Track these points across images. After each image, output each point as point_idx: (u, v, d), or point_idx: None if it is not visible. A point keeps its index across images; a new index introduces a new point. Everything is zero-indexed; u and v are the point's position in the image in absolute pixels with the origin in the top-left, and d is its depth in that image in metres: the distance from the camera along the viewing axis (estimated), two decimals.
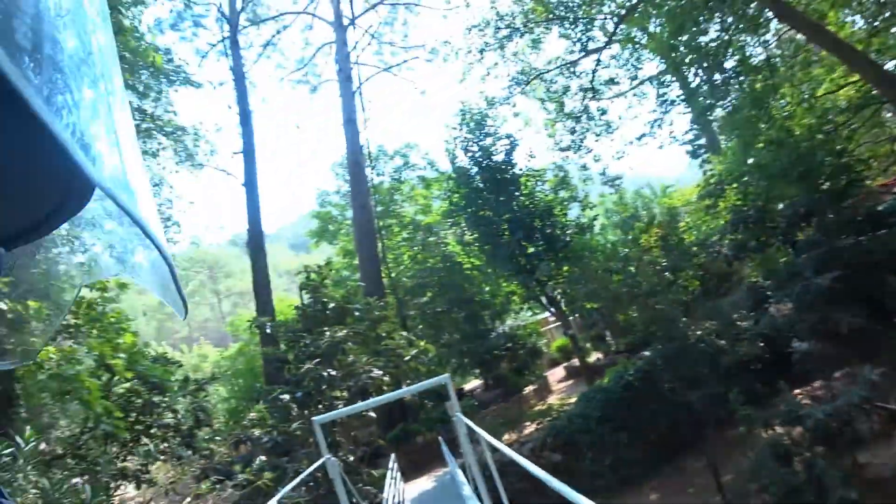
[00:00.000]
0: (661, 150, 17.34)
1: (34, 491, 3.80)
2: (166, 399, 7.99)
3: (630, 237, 15.25)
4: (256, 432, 7.35)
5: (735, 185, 13.30)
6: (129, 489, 7.76)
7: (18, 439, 4.25)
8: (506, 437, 13.11)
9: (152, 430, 7.63)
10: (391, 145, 25.89)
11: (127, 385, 7.85)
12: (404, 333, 10.13)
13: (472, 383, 26.57)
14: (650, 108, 20.00)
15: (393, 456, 10.63)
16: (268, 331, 11.39)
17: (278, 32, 26.39)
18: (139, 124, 16.98)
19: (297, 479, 4.35)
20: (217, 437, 7.92)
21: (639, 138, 17.76)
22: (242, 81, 21.99)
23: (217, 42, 23.62)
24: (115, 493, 7.00)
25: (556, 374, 24.46)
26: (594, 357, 24.34)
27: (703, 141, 20.73)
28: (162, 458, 7.27)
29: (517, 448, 11.49)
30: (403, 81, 35.58)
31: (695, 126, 19.98)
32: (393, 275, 22.58)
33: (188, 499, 7.47)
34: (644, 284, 13.00)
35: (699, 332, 10.31)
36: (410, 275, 22.58)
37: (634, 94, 19.56)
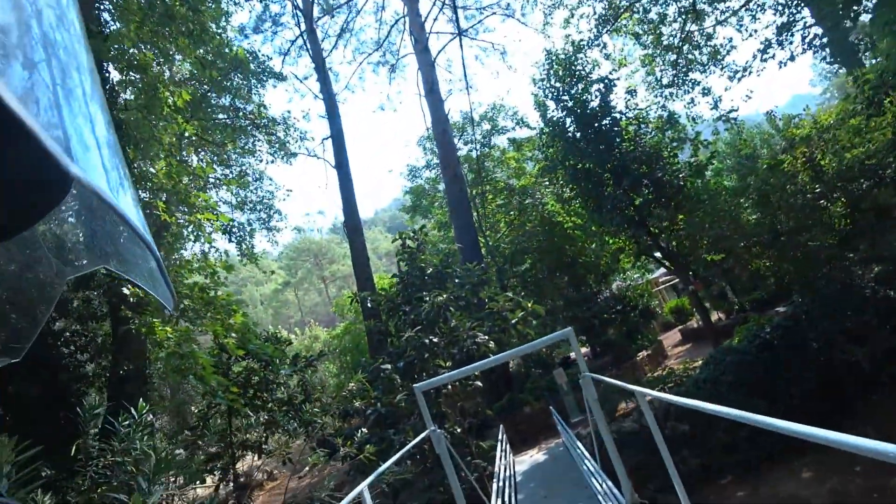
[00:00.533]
0: (783, 67, 14.48)
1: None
2: (278, 376, 8.27)
3: (750, 181, 13.10)
4: (357, 403, 7.28)
5: None
6: (249, 457, 8.26)
7: (134, 412, 4.39)
8: (622, 405, 12.09)
9: (268, 405, 7.93)
10: (477, 111, 24.65)
11: (244, 364, 8.23)
12: (509, 294, 9.51)
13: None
14: (766, 24, 16.85)
15: (501, 427, 10.23)
16: (368, 304, 11.45)
17: (351, 16, 26.54)
18: (232, 122, 17.99)
19: (400, 453, 3.98)
20: (324, 411, 8.02)
21: (762, 52, 14.94)
22: (324, 69, 22.44)
23: (296, 37, 24.35)
24: (238, 461, 7.44)
25: (670, 339, 22.50)
26: (714, 317, 21.94)
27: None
28: (277, 430, 7.51)
29: (637, 418, 10.49)
30: (483, 44, 33.88)
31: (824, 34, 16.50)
32: (490, 243, 22.05)
33: (306, 468, 7.67)
34: (788, 220, 11.02)
35: (869, 274, 8.40)
36: (508, 241, 21.85)
37: (747, 9, 16.59)
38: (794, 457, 9.37)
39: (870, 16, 12.63)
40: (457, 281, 9.37)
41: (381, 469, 3.28)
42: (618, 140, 13.78)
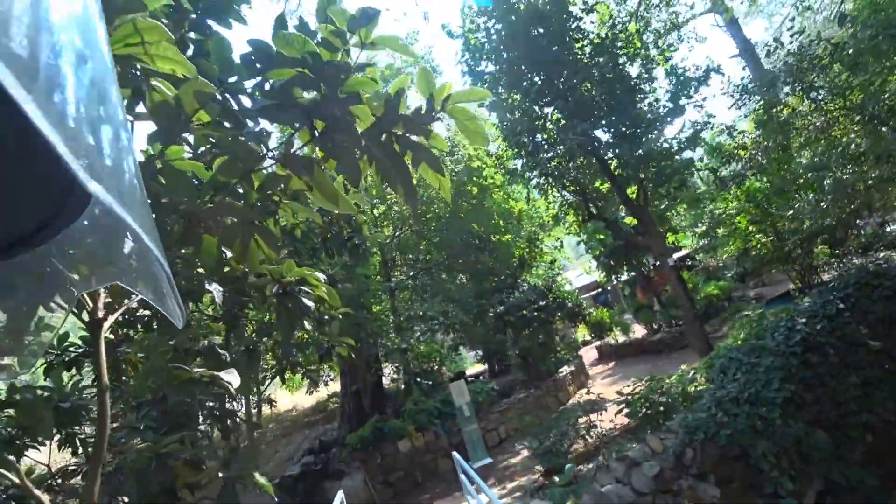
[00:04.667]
0: None
1: None
2: None
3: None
4: None
5: None
6: None
7: None
8: (579, 447, 6.85)
9: None
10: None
11: None
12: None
13: (472, 369, 20.27)
14: None
15: (341, 493, 4.36)
16: None
17: None
18: None
19: None
20: None
21: None
22: None
23: None
24: None
25: (586, 356, 18.28)
26: (636, 333, 18.37)
27: None
28: None
29: (624, 472, 5.26)
30: None
31: None
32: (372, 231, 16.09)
33: None
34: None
35: None
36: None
37: None
38: None
39: None
40: None
41: None
42: (579, 44, 9.08)
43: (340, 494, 4.15)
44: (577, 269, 25.75)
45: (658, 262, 9.12)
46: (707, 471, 5.28)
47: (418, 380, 10.50)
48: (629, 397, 6.74)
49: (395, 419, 9.55)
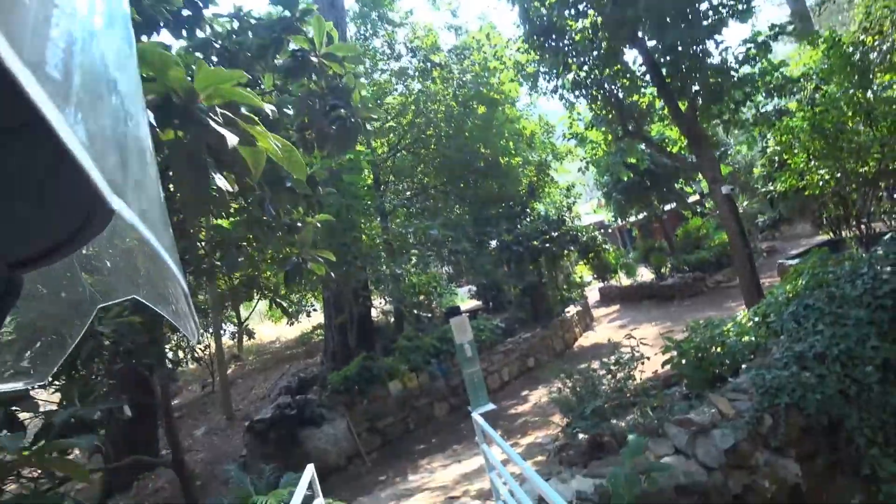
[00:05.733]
0: None
1: None
2: None
3: None
4: None
5: None
6: None
7: None
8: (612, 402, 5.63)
9: None
10: None
11: None
12: None
13: (465, 306, 19.19)
14: None
15: (311, 466, 3.08)
16: None
17: None
18: None
19: None
20: None
21: None
22: None
23: None
24: None
25: (588, 298, 17.28)
26: (643, 277, 17.28)
27: None
28: None
29: (688, 442, 4.05)
30: None
31: None
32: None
33: None
34: None
35: None
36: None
37: None
38: None
39: None
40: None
41: None
42: None
43: (310, 470, 2.87)
44: (582, 207, 24.25)
45: (710, 190, 7.65)
46: (787, 444, 4.12)
47: (416, 311, 9.23)
48: (680, 344, 5.53)
49: (385, 357, 8.37)
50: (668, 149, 8.62)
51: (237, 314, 16.63)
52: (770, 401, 4.28)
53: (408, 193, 14.78)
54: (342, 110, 3.29)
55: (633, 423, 4.62)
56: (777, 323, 5.54)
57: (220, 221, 3.85)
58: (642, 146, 8.78)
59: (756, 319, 5.70)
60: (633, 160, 9.74)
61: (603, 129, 8.78)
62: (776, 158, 10.25)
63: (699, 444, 4.08)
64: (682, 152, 8.80)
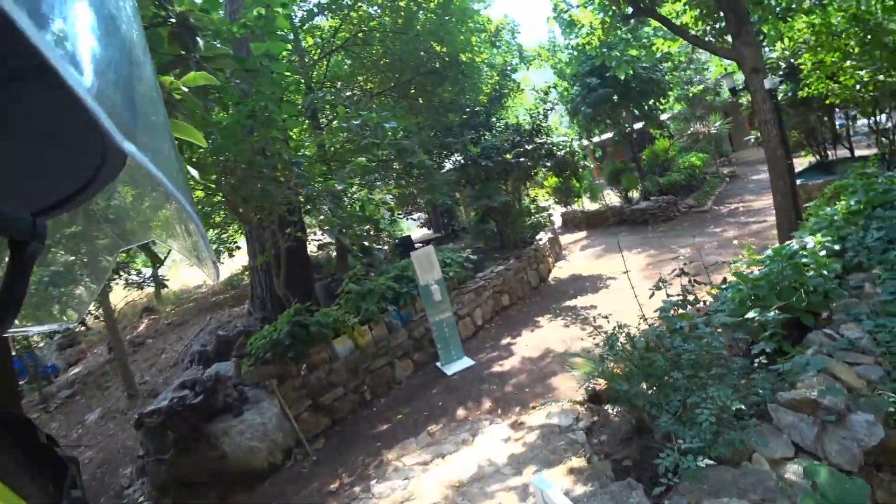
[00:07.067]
0: None
1: None
2: None
3: None
4: None
5: None
6: None
7: None
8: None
9: None
10: None
11: None
12: None
13: (415, 234, 17.31)
14: None
15: None
16: None
17: None
18: None
19: None
20: None
21: None
22: None
23: None
24: None
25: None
26: (608, 200, 16.03)
27: None
28: None
29: (816, 436, 2.52)
30: None
31: None
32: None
33: None
34: None
35: None
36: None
37: None
38: None
39: None
40: None
41: None
42: None
43: None
44: None
45: (745, 84, 5.98)
46: None
47: (366, 244, 7.24)
48: (734, 282, 4.07)
49: (327, 308, 6.45)
50: (689, 28, 6.78)
51: (151, 256, 13.84)
52: None
53: (346, 106, 12.19)
54: None
55: (705, 399, 3.10)
56: (861, 253, 4.14)
57: None
58: (651, 31, 6.87)
59: (830, 247, 4.31)
60: (632, 52, 7.81)
61: (603, 7, 6.74)
62: (793, 61, 8.74)
63: (830, 437, 2.65)
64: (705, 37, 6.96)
